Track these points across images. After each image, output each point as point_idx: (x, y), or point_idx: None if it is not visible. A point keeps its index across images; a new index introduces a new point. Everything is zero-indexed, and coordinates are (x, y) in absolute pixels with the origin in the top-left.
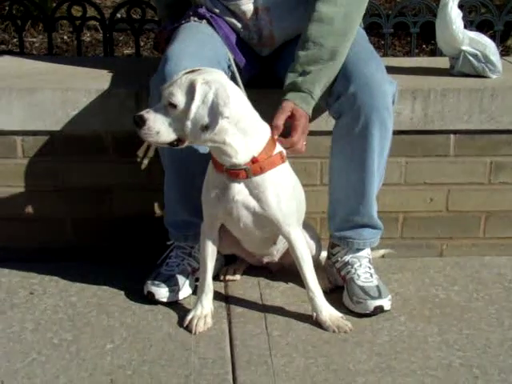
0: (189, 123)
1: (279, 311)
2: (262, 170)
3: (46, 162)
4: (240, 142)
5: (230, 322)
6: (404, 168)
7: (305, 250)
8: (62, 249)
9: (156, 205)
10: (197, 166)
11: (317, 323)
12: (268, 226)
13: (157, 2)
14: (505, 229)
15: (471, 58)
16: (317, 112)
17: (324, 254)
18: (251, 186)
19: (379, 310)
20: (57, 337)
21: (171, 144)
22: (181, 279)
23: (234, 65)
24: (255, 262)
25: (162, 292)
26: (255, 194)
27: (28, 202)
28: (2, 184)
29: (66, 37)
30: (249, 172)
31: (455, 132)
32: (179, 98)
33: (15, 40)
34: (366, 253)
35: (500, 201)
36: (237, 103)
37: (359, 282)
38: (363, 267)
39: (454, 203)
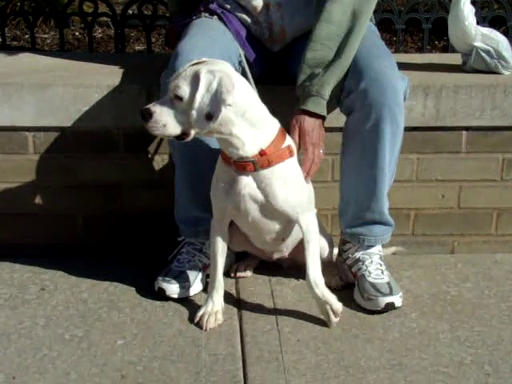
0: (194, 112)
1: (290, 308)
2: (269, 163)
3: (57, 158)
4: (247, 134)
5: (240, 319)
6: (415, 165)
7: (313, 238)
8: (73, 245)
9: (167, 201)
10: (208, 163)
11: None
12: (278, 218)
13: None
14: None
15: (484, 55)
16: (328, 108)
17: (335, 250)
18: (259, 179)
19: (390, 306)
20: (68, 333)
21: (178, 137)
22: (192, 275)
23: (244, 60)
24: (266, 258)
25: (172, 288)
26: (262, 187)
27: (39, 198)
28: (13, 180)
29: (77, 33)
30: (256, 165)
31: (467, 128)
32: (185, 90)
33: (27, 36)
34: (377, 249)
35: None
36: (242, 93)
37: (370, 279)
38: (374, 264)
39: (465, 200)
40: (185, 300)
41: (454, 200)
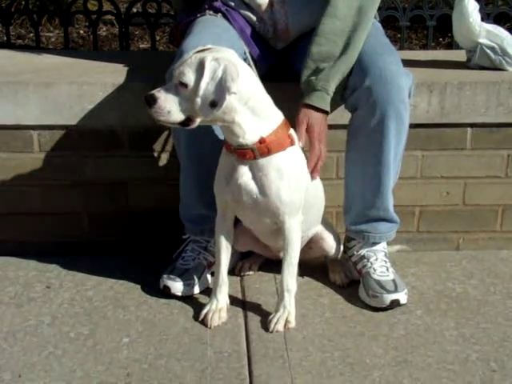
0: (198, 100)
1: (295, 305)
2: (269, 151)
3: (63, 156)
4: (249, 122)
5: (245, 316)
6: (420, 161)
7: (295, 244)
8: (79, 243)
9: (172, 199)
10: (213, 161)
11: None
12: (268, 216)
13: None
14: None
15: (488, 51)
16: (332, 106)
17: (340, 248)
18: (256, 168)
19: (395, 303)
20: (73, 330)
21: (182, 123)
22: (196, 273)
23: (249, 58)
24: (272, 256)
25: (177, 286)
26: (258, 177)
27: (44, 196)
28: (18, 178)
29: (82, 31)
30: (256, 152)
31: (472, 125)
32: (189, 77)
33: (31, 35)
34: (382, 246)
35: None
36: (246, 81)
37: (375, 276)
38: (379, 261)
39: (470, 197)
40: (190, 298)
41: (459, 197)
